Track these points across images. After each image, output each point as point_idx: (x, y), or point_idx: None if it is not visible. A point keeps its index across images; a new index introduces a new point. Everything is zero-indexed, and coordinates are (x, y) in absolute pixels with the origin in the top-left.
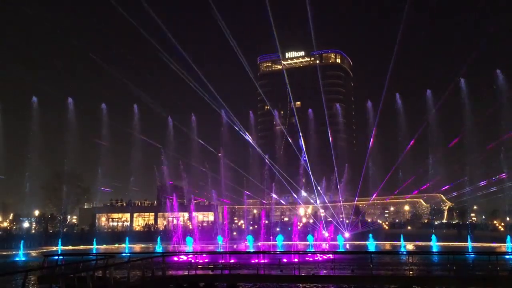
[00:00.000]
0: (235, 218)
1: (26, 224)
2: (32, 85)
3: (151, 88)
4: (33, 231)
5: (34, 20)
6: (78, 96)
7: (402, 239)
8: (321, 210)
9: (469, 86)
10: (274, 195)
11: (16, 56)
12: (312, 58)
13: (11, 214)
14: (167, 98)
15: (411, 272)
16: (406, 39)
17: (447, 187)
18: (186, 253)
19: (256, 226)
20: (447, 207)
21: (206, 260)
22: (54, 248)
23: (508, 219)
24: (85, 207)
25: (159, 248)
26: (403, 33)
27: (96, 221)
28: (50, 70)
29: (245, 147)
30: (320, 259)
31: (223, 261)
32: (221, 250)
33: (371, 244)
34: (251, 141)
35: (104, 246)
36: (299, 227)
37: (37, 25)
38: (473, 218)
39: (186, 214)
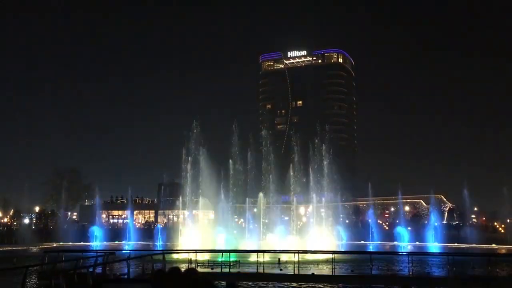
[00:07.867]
0: (235, 216)
1: (26, 220)
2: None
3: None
4: (33, 227)
5: None
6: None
7: (401, 239)
8: (322, 210)
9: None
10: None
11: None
12: (314, 58)
13: (12, 210)
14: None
15: (410, 273)
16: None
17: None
18: (187, 251)
19: (256, 225)
20: (447, 208)
21: (207, 258)
22: (55, 244)
23: (508, 220)
24: (86, 203)
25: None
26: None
27: (97, 218)
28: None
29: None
30: (320, 258)
31: (223, 259)
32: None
33: None
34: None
35: (104, 242)
36: (299, 226)
37: None
38: (474, 220)
39: (187, 212)
